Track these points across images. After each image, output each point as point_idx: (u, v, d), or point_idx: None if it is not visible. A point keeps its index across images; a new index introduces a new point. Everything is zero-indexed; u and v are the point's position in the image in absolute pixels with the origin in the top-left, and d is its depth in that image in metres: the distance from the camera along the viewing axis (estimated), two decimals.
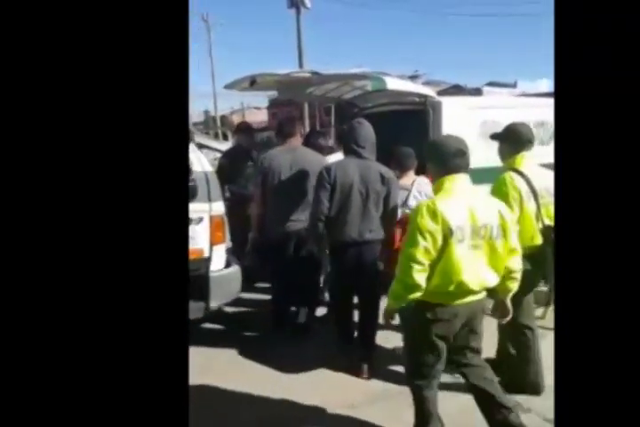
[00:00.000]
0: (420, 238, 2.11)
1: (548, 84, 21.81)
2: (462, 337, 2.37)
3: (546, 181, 2.80)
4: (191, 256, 3.03)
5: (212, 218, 3.24)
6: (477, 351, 2.44)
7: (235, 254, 5.17)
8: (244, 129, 5.37)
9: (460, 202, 2.19)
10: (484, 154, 4.77)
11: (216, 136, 32.12)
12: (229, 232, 5.16)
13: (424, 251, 2.11)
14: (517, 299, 2.60)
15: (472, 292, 2.23)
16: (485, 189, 4.59)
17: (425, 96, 4.50)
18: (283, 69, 4.10)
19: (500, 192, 2.71)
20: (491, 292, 2.36)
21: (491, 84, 25.24)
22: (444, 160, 2.26)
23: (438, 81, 27.36)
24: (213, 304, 3.27)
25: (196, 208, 3.09)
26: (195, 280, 3.10)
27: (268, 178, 3.64)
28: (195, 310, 3.11)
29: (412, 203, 3.39)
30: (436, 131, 4.57)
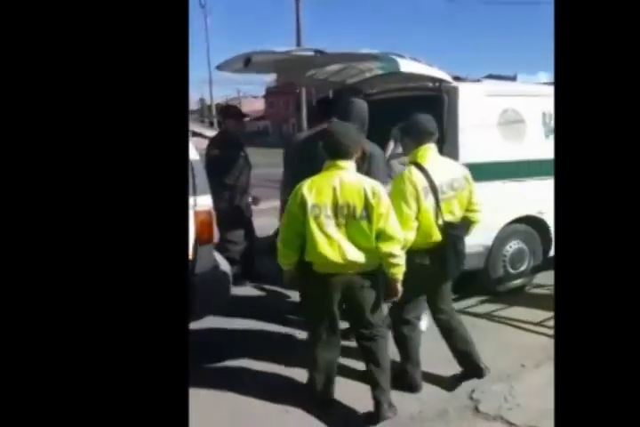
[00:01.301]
0: (286, 217, 2.54)
1: (547, 77, 21.41)
2: (349, 310, 2.66)
3: (450, 175, 2.85)
4: None
5: (196, 214, 2.80)
6: (367, 325, 2.65)
7: (225, 253, 4.72)
8: (233, 114, 4.88)
9: (326, 184, 2.46)
10: (504, 146, 4.36)
11: (211, 124, 31.73)
12: (222, 231, 4.74)
13: (287, 227, 2.54)
14: (410, 293, 2.79)
15: (339, 264, 2.47)
16: (503, 186, 4.18)
17: (440, 80, 4.02)
18: (281, 47, 3.59)
19: (397, 188, 2.73)
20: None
21: (490, 76, 24.80)
22: (325, 146, 2.55)
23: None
24: (199, 313, 2.83)
25: None
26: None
27: (299, 162, 3.40)
28: None
29: None
30: (452, 119, 4.10)
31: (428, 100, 4.25)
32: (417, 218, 2.73)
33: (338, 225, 2.47)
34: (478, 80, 4.69)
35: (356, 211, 2.45)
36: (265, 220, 5.95)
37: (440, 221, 2.79)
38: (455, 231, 2.85)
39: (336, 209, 2.45)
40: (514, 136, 4.36)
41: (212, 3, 36.98)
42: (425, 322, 3.87)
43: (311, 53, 3.53)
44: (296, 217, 2.50)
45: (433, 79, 4.08)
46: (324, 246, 2.46)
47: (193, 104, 44.77)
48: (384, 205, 2.48)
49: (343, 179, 2.49)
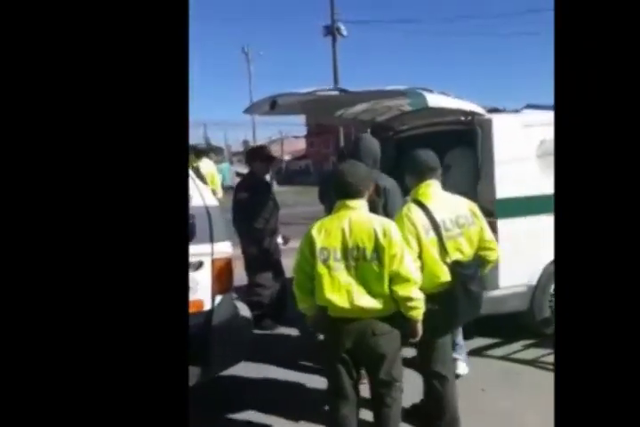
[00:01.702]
0: (298, 257, 2.46)
1: None
2: (360, 360, 2.46)
3: (454, 211, 2.72)
4: (189, 309, 2.45)
5: (214, 262, 2.69)
6: (385, 379, 2.45)
7: (255, 298, 4.58)
8: (259, 156, 4.82)
9: (335, 226, 2.38)
10: (543, 179, 4.12)
11: None
12: (251, 275, 4.64)
13: (299, 269, 2.46)
14: (428, 343, 2.63)
15: (346, 310, 2.34)
16: (545, 220, 3.92)
17: (472, 113, 3.88)
18: (306, 88, 3.55)
19: (399, 226, 2.54)
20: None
21: (529, 106, 24.28)
22: (335, 185, 2.47)
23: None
24: (215, 369, 2.68)
25: (195, 251, 2.51)
26: (192, 339, 2.52)
27: (327, 197, 3.45)
28: (191, 375, 2.50)
29: None
30: (487, 153, 3.92)
31: (462, 135, 4.11)
32: (420, 258, 2.59)
33: (348, 268, 2.36)
34: (517, 111, 4.52)
35: (366, 252, 2.33)
36: None
37: (447, 260, 2.63)
38: (465, 271, 2.65)
39: (346, 251, 2.35)
40: (552, 167, 4.13)
41: (254, 49, 37.91)
42: (463, 363, 3.61)
43: (335, 93, 3.47)
44: (307, 260, 2.42)
45: (464, 113, 3.95)
46: (331, 291, 2.35)
47: (237, 146, 45.86)
48: (397, 245, 2.35)
49: (353, 219, 2.39)
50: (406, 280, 2.34)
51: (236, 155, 40.21)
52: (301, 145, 56.57)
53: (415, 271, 2.40)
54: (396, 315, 2.42)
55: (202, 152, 7.13)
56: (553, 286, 4.19)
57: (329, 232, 2.38)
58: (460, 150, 4.24)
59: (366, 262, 2.33)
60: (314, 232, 2.40)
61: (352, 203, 2.42)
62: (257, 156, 4.83)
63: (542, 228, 4.03)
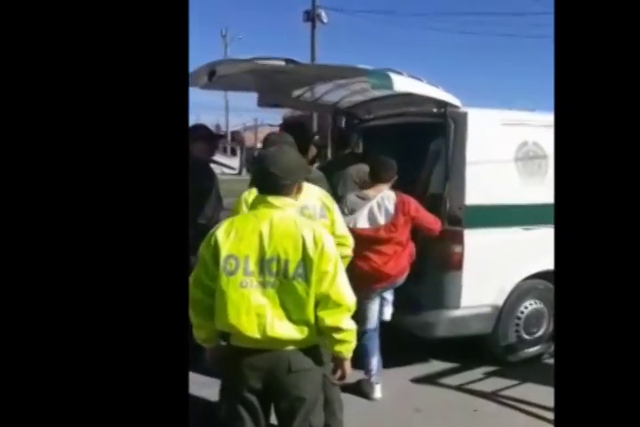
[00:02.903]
0: (196, 266, 1.90)
1: None
2: (271, 403, 1.93)
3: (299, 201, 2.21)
4: None
5: None
6: (291, 417, 1.89)
7: None
8: (201, 136, 3.82)
9: (251, 228, 1.84)
10: (521, 186, 3.59)
11: (224, 151, 31.47)
12: None
13: (194, 280, 1.87)
14: None
15: (258, 340, 1.80)
16: (520, 233, 3.42)
17: (445, 104, 3.31)
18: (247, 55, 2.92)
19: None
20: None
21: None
22: (254, 176, 2.06)
23: None
24: None
25: None
26: None
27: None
28: None
29: (361, 217, 3.14)
30: (458, 151, 3.37)
31: (432, 128, 3.56)
32: None
33: (262, 285, 1.81)
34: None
35: (288, 266, 1.80)
36: None
37: None
38: None
39: (262, 263, 1.81)
40: (534, 174, 3.60)
41: (231, 33, 36.92)
42: (377, 385, 3.28)
43: (280, 63, 2.86)
44: (207, 271, 1.86)
45: (437, 103, 3.38)
46: (237, 314, 1.80)
47: None
48: (330, 259, 1.82)
49: (274, 222, 1.84)
50: (337, 305, 1.83)
51: None
52: None
53: (349, 295, 1.87)
54: (319, 347, 1.92)
55: None
56: (521, 308, 3.69)
57: (240, 236, 1.83)
58: (428, 146, 3.69)
59: (287, 279, 1.80)
60: (219, 234, 1.85)
61: (276, 200, 1.88)
62: (197, 135, 3.98)
63: (516, 242, 3.55)
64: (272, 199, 1.87)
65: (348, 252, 2.53)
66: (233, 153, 31.97)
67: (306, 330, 1.83)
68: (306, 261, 1.79)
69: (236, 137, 38.75)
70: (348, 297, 1.85)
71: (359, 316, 2.74)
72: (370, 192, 3.25)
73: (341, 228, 2.52)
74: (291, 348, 1.84)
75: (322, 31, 17.79)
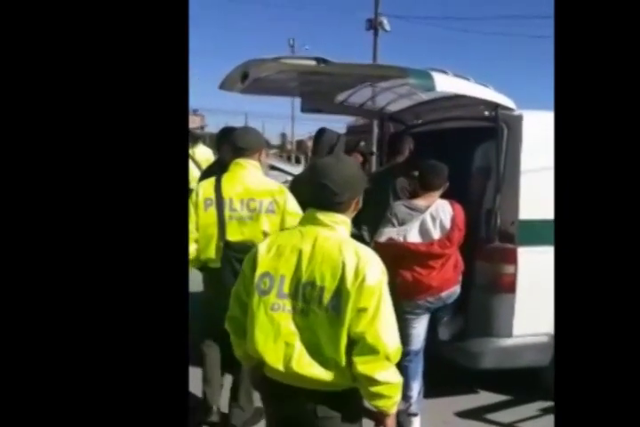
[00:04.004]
0: (238, 280, 1.75)
1: None
2: None
3: (249, 194, 2.70)
4: None
5: None
6: None
7: None
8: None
9: (293, 245, 1.62)
10: None
11: (289, 159, 31.78)
12: None
13: (234, 295, 1.74)
14: None
15: (282, 374, 1.57)
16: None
17: (496, 106, 2.96)
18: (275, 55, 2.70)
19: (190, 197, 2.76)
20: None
21: None
22: (306, 188, 1.73)
23: None
24: None
25: None
26: None
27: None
28: None
29: (412, 230, 2.87)
30: (512, 160, 3.01)
31: (483, 133, 3.20)
32: (197, 231, 2.68)
33: (295, 312, 1.58)
34: None
35: (324, 294, 1.53)
36: None
37: (220, 242, 2.65)
38: (237, 254, 2.57)
39: (297, 287, 1.58)
40: None
41: (298, 43, 37.34)
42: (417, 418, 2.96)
43: (311, 61, 2.61)
44: (246, 287, 1.69)
45: (487, 104, 3.04)
46: (265, 341, 1.59)
47: (274, 139, 45.30)
48: (371, 294, 1.52)
49: (319, 241, 1.59)
50: (373, 351, 1.51)
51: (272, 147, 39.68)
52: None
53: (390, 341, 1.54)
54: (356, 392, 1.62)
55: (198, 138, 6.40)
56: None
57: (280, 253, 1.62)
58: (478, 154, 3.34)
59: (321, 309, 1.54)
60: (261, 248, 1.66)
61: (325, 217, 1.62)
62: (226, 139, 3.83)
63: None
64: (321, 215, 1.62)
65: None
66: (297, 161, 32.20)
67: (336, 371, 1.55)
68: (342, 292, 1.52)
69: (301, 146, 38.97)
70: (390, 343, 1.53)
71: (401, 333, 2.59)
72: (420, 202, 2.96)
73: (289, 225, 2.45)
74: (319, 389, 1.57)
75: (384, 39, 17.55)
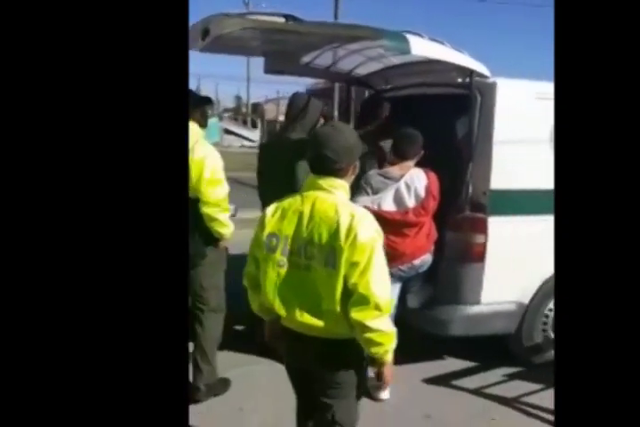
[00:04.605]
0: (252, 241, 1.92)
1: None
2: (312, 388, 1.91)
3: None
4: None
5: None
6: (326, 411, 1.86)
7: None
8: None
9: (296, 208, 1.79)
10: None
11: (244, 123, 31.02)
12: None
13: (250, 256, 1.92)
14: None
15: (287, 320, 1.82)
16: (548, 222, 3.03)
17: (470, 72, 2.87)
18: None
19: None
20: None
21: None
22: (312, 156, 1.81)
23: None
24: None
25: None
26: None
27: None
28: None
29: (386, 199, 2.83)
30: (485, 128, 2.95)
31: (455, 101, 3.12)
32: None
33: (297, 267, 1.77)
34: None
35: (321, 251, 1.72)
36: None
37: None
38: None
39: (297, 244, 1.77)
40: None
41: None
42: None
43: (280, 18, 2.44)
44: (258, 246, 1.87)
45: (461, 70, 2.94)
46: (274, 293, 1.80)
47: (229, 101, 43.99)
48: (363, 250, 1.68)
49: (317, 203, 1.77)
50: (365, 300, 1.67)
51: (227, 111, 38.55)
52: None
53: (381, 292, 1.69)
54: (354, 342, 1.78)
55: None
56: (550, 306, 3.30)
57: (284, 215, 1.81)
58: (449, 122, 3.27)
59: (320, 265, 1.72)
60: (268, 212, 1.86)
61: (323, 181, 1.78)
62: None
63: (546, 232, 3.13)
64: (320, 180, 1.78)
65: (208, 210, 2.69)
66: (254, 125, 31.52)
67: (333, 320, 1.74)
68: (336, 249, 1.69)
69: (257, 109, 38.13)
70: (380, 294, 1.68)
71: None
72: (394, 170, 2.90)
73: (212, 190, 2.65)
74: (320, 336, 1.78)
75: (344, 4, 17.08)
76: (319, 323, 1.73)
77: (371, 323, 1.66)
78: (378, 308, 1.66)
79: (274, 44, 3.27)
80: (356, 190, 2.97)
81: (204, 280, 2.86)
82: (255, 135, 29.74)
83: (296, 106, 3.19)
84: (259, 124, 31.09)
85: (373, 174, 2.93)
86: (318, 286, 1.73)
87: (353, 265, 1.67)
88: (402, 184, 2.85)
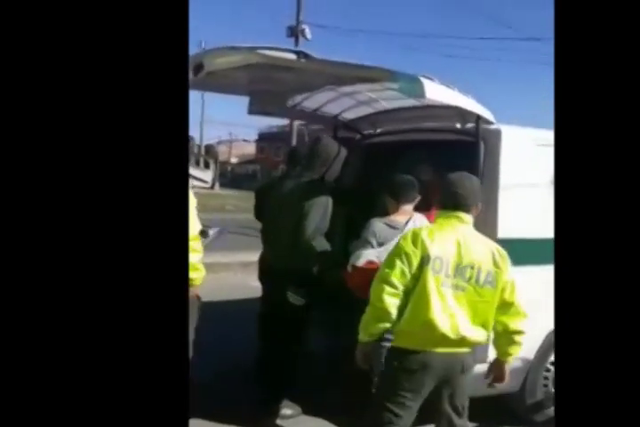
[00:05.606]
0: (397, 260, 2.08)
1: None
2: (439, 397, 2.18)
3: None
4: None
5: None
6: (457, 415, 2.21)
7: None
8: None
9: (448, 236, 2.12)
10: None
11: (197, 164, 30.67)
12: None
13: (399, 273, 2.06)
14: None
15: (446, 339, 2.06)
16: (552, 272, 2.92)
17: (477, 118, 2.80)
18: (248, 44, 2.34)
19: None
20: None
21: None
22: (444, 195, 2.22)
23: None
24: None
25: None
26: None
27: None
28: None
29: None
30: (490, 175, 2.86)
31: (454, 148, 3.04)
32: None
33: (456, 288, 2.07)
34: None
35: (480, 274, 2.08)
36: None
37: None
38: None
39: (458, 268, 2.07)
40: None
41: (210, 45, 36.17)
42: None
43: (292, 55, 2.30)
44: (411, 268, 2.06)
45: (464, 117, 2.87)
46: (438, 312, 2.04)
47: None
48: (509, 272, 2.15)
49: (466, 234, 2.15)
50: (518, 311, 2.17)
51: None
52: (251, 149, 55.03)
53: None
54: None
55: None
56: (551, 358, 3.15)
57: (442, 242, 2.09)
58: (449, 168, 3.16)
59: (478, 286, 2.08)
60: (424, 236, 2.09)
61: (464, 216, 2.18)
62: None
63: (550, 282, 3.03)
64: (462, 215, 2.16)
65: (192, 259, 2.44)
66: (206, 166, 31.26)
67: (484, 333, 2.12)
68: (496, 270, 2.09)
69: (210, 150, 37.99)
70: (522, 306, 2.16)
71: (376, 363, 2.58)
72: (398, 218, 2.81)
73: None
74: (466, 350, 2.13)
75: (304, 47, 17.43)
76: (476, 336, 2.09)
77: (521, 326, 2.16)
78: (526, 316, 2.17)
79: (266, 83, 3.13)
80: (357, 241, 2.80)
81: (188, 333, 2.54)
82: (207, 176, 29.40)
83: (320, 150, 3.04)
84: (211, 166, 30.85)
85: (376, 222, 2.77)
86: (475, 304, 2.07)
87: (506, 283, 2.12)
88: (406, 230, 2.70)
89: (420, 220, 2.78)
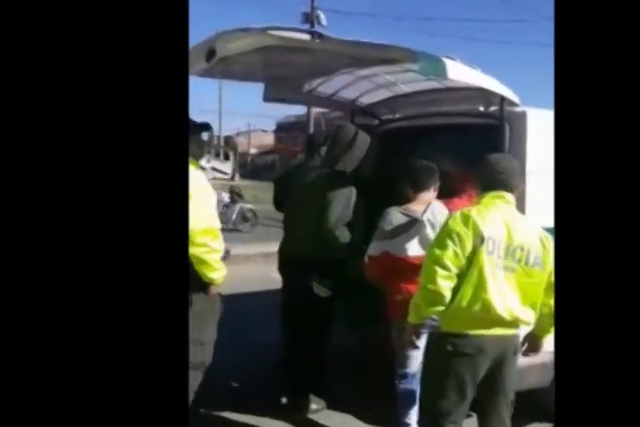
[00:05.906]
0: (449, 241, 2.02)
1: None
2: (490, 381, 2.15)
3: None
4: None
5: None
6: (506, 401, 2.21)
7: None
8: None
9: (496, 217, 2.08)
10: None
11: (217, 155, 30.73)
12: None
13: (453, 255, 2.00)
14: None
15: (500, 321, 2.04)
16: None
17: (501, 99, 2.65)
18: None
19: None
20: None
21: None
22: (485, 176, 2.19)
23: None
24: None
25: None
26: None
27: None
28: None
29: (411, 242, 2.59)
30: (516, 160, 2.71)
31: (476, 132, 2.90)
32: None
33: (506, 269, 2.04)
34: None
35: (530, 255, 2.06)
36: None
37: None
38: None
39: (508, 249, 2.04)
40: None
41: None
42: None
43: (306, 35, 2.17)
44: (464, 249, 2.01)
45: (492, 97, 2.72)
46: (495, 294, 2.01)
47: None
48: (553, 253, 2.07)
49: (513, 215, 2.13)
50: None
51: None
52: (270, 140, 55.01)
53: None
54: None
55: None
56: None
57: (492, 222, 2.05)
58: (471, 153, 3.02)
59: (528, 266, 2.07)
60: (475, 216, 2.04)
61: (509, 196, 2.14)
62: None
63: None
64: (507, 196, 2.13)
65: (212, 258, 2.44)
66: (226, 158, 31.29)
67: (533, 314, 2.10)
68: (543, 251, 2.07)
69: (229, 142, 38.00)
70: None
71: (401, 356, 2.63)
72: (415, 206, 2.67)
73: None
74: (516, 331, 2.12)
75: None
76: (528, 316, 2.08)
77: None
78: None
79: (282, 67, 3.01)
80: (373, 231, 2.69)
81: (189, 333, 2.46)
82: (227, 168, 29.44)
83: (343, 138, 2.94)
84: (231, 157, 30.86)
85: (393, 211, 2.65)
86: (525, 285, 2.04)
87: (551, 264, 2.06)
88: (425, 222, 2.60)
89: (438, 208, 2.66)
